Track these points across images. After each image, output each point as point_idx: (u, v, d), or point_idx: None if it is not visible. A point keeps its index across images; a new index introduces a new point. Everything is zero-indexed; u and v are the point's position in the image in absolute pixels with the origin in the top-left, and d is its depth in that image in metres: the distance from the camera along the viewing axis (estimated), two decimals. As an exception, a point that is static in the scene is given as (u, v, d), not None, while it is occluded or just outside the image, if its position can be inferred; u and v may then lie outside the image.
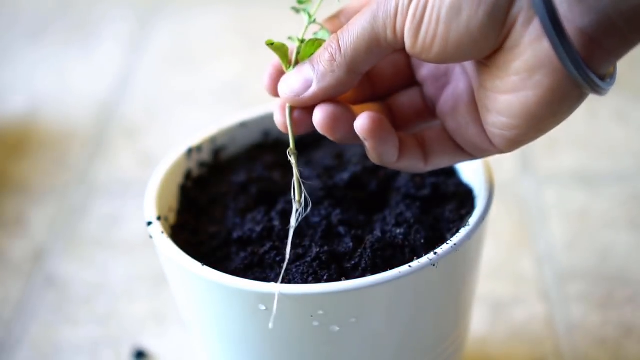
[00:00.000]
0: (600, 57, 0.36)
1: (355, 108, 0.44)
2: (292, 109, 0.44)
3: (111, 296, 0.70)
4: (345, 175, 0.51)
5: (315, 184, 0.50)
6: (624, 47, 0.36)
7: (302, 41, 0.44)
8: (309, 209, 0.44)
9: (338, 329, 0.43)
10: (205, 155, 0.55)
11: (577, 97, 0.38)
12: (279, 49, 0.44)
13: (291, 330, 0.44)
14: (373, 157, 0.43)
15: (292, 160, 0.44)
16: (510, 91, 0.38)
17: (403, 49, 0.40)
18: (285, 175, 0.53)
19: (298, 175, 0.44)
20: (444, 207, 0.49)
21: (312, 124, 0.44)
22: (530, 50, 0.37)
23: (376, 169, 0.52)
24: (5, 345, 0.66)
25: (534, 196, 0.77)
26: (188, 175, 0.54)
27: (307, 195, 0.44)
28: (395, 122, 0.46)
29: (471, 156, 0.45)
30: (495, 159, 0.80)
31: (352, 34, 0.41)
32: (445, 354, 0.49)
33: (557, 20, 0.35)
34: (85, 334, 0.66)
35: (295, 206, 0.44)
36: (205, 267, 0.44)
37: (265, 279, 0.44)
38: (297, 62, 0.44)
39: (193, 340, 0.51)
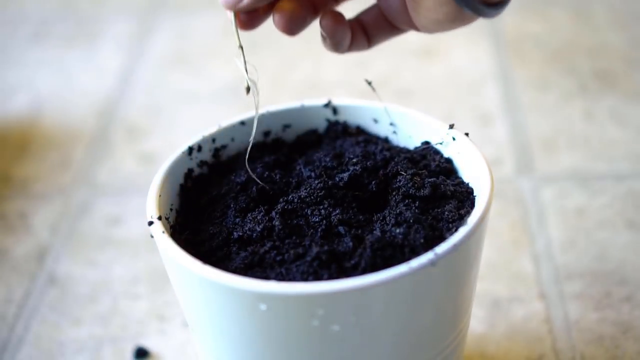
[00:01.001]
0: None
1: None
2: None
3: (113, 295, 0.70)
4: (345, 175, 0.51)
5: (315, 184, 0.50)
6: None
7: None
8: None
9: (338, 328, 0.43)
10: (206, 155, 0.55)
11: (475, 18, 0.47)
12: None
13: (291, 330, 0.44)
14: (330, 48, 0.52)
15: (241, 53, 0.51)
16: (427, 9, 0.47)
17: None
18: (285, 175, 0.53)
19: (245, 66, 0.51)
20: (443, 207, 0.49)
21: (257, 23, 0.52)
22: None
23: (376, 169, 0.52)
24: (9, 344, 0.66)
25: (533, 196, 0.77)
26: (189, 175, 0.54)
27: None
28: (337, 0, 0.54)
29: (403, 31, 0.53)
30: (494, 160, 0.80)
31: None
32: (444, 352, 0.49)
33: None
34: (88, 332, 0.67)
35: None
36: (206, 267, 0.44)
37: (266, 279, 0.45)
38: None
39: (194, 339, 0.52)
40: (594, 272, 0.68)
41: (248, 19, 0.52)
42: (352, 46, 0.53)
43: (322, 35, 0.53)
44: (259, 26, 0.53)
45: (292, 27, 0.52)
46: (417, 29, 0.51)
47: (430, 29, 0.49)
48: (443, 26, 0.48)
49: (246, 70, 0.51)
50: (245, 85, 0.51)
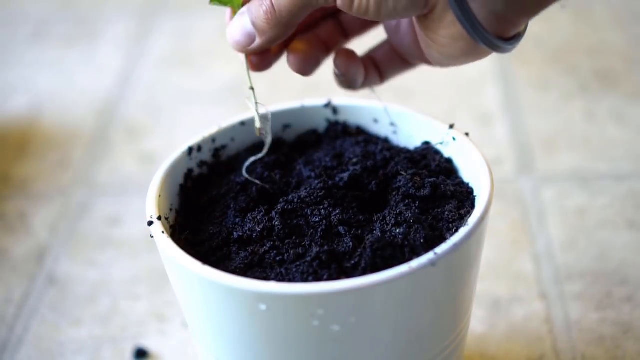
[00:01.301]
0: (505, 27, 0.44)
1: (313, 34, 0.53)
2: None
3: (113, 295, 0.70)
4: (345, 175, 0.51)
5: (315, 184, 0.50)
6: (525, 17, 0.44)
7: None
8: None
9: (338, 328, 0.43)
10: (206, 155, 0.55)
11: (490, 52, 0.46)
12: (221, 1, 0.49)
13: (291, 330, 0.44)
14: (344, 85, 0.53)
15: (252, 95, 0.51)
16: (441, 45, 0.46)
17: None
18: (285, 175, 0.53)
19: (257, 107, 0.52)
20: (443, 207, 0.49)
21: (269, 65, 0.53)
22: (452, 27, 0.44)
23: (376, 169, 0.52)
24: (8, 344, 0.66)
25: (533, 196, 0.77)
26: (189, 175, 0.54)
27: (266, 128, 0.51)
28: (348, 37, 0.55)
29: (415, 65, 0.54)
30: (494, 160, 0.80)
31: (287, 4, 0.46)
32: (444, 353, 0.49)
33: (468, 12, 0.43)
34: (87, 333, 0.66)
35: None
36: (206, 267, 0.44)
37: (266, 279, 0.45)
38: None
39: (194, 339, 0.52)
40: (594, 272, 0.68)
41: (260, 60, 0.53)
42: (365, 82, 0.53)
43: (335, 73, 0.53)
44: (270, 67, 0.53)
45: (306, 67, 0.52)
46: (429, 63, 0.50)
47: (443, 64, 0.48)
48: (457, 61, 0.47)
49: (257, 112, 0.51)
50: (257, 127, 0.51)
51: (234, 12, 0.50)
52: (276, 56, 0.53)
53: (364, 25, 0.55)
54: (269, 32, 0.48)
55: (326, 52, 0.54)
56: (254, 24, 0.48)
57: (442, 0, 0.44)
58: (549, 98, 0.91)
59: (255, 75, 0.49)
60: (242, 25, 0.49)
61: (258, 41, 0.49)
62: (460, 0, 0.42)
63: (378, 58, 0.54)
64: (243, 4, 0.50)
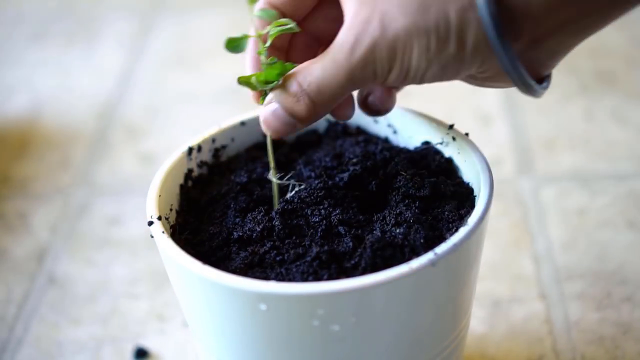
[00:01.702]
0: (539, 69, 0.44)
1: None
2: None
3: (113, 295, 0.70)
4: (345, 175, 0.51)
5: (315, 184, 0.50)
6: (558, 60, 0.45)
7: (259, 35, 0.47)
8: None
9: (338, 328, 0.43)
10: (206, 155, 0.55)
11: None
12: (248, 84, 0.46)
13: (291, 330, 0.44)
14: (376, 114, 0.51)
15: (272, 176, 0.50)
16: (483, 83, 0.46)
17: None
18: (285, 175, 0.53)
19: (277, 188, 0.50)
20: (443, 207, 0.49)
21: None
22: (498, 78, 0.44)
23: (376, 169, 0.52)
24: (8, 344, 0.66)
25: (533, 196, 0.77)
26: (189, 175, 0.54)
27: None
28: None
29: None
30: (494, 160, 0.80)
31: (327, 92, 0.44)
32: (444, 352, 0.49)
33: (518, 68, 0.42)
34: (88, 333, 0.67)
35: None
36: (206, 267, 0.44)
37: (266, 279, 0.45)
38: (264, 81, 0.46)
39: (194, 339, 0.52)
40: (594, 273, 0.68)
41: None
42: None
43: (369, 108, 0.51)
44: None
45: (349, 114, 0.51)
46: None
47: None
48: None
49: (278, 191, 0.51)
50: (276, 206, 0.50)
51: (257, 96, 0.48)
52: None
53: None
54: (313, 119, 0.46)
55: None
56: (293, 115, 0.46)
57: (488, 56, 0.43)
58: (549, 98, 0.91)
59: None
60: (278, 116, 0.46)
61: (301, 127, 0.46)
62: (515, 64, 0.42)
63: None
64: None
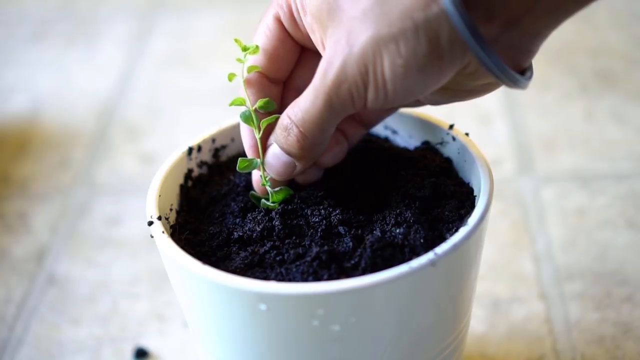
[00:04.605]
0: (521, 59, 0.43)
1: None
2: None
3: (113, 295, 0.70)
4: (345, 175, 0.51)
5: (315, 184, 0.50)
6: (539, 42, 0.43)
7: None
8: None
9: (338, 328, 0.43)
10: (206, 155, 0.55)
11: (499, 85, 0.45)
12: (247, 119, 0.48)
13: (291, 330, 0.44)
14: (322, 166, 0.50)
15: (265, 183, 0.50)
16: (467, 94, 0.45)
17: None
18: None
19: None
20: (443, 207, 0.49)
21: (317, 175, 0.51)
22: (484, 79, 0.43)
23: (376, 168, 0.52)
24: (8, 344, 0.66)
25: (533, 196, 0.77)
26: (189, 175, 0.54)
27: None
28: (367, 128, 0.52)
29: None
30: (494, 160, 0.80)
31: (310, 121, 0.44)
32: (444, 352, 0.49)
33: (502, 66, 0.41)
34: (87, 333, 0.67)
35: None
36: (206, 267, 0.44)
37: (266, 279, 0.45)
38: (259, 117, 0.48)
39: (194, 339, 0.52)
40: (594, 273, 0.68)
41: (306, 177, 0.51)
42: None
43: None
44: (320, 176, 0.52)
45: (335, 162, 0.51)
46: (418, 104, 0.49)
47: (440, 103, 0.48)
48: (463, 100, 0.47)
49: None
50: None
51: (259, 133, 0.49)
52: (318, 170, 0.51)
53: (382, 114, 0.52)
54: (307, 155, 0.46)
55: (346, 142, 0.51)
56: (288, 153, 0.47)
57: (472, 60, 0.42)
58: (549, 98, 0.91)
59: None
60: (276, 157, 0.47)
61: (300, 166, 0.47)
62: (489, 52, 0.40)
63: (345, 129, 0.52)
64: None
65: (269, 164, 0.48)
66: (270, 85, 0.49)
